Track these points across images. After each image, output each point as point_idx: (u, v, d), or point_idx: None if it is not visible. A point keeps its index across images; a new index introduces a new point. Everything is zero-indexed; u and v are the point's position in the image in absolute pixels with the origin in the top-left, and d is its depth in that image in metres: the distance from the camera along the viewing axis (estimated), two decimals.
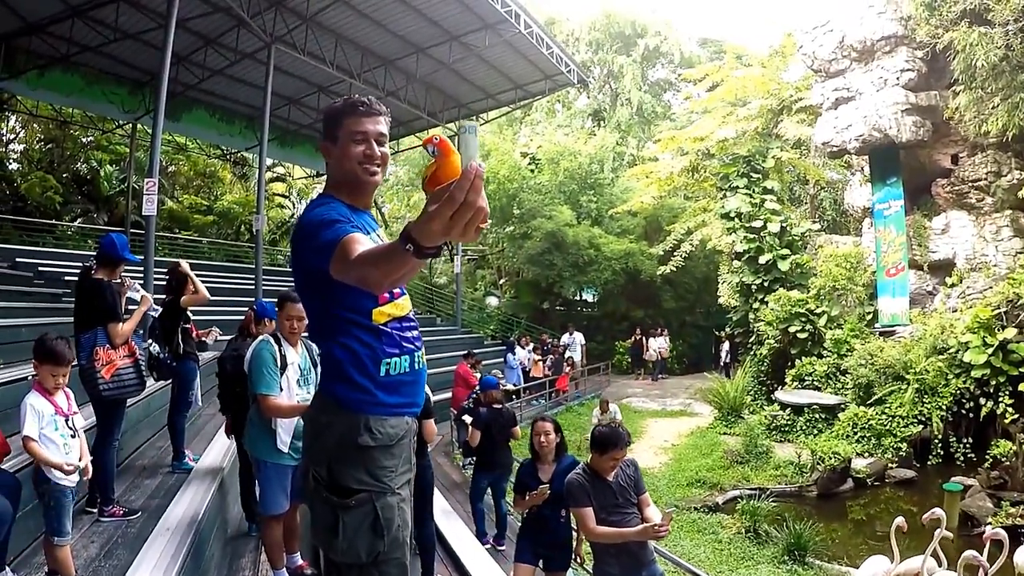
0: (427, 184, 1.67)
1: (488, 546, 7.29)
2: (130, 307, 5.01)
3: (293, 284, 2.43)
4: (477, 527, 7.62)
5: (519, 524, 8.49)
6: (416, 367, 2.26)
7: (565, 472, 4.68)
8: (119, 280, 4.88)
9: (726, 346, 23.25)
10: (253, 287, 15.01)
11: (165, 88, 11.45)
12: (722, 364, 23.22)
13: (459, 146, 1.47)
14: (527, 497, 4.90)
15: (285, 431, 4.24)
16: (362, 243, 1.81)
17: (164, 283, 6.05)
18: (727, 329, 21.58)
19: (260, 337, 4.41)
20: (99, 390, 4.55)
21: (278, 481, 4.29)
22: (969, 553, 5.45)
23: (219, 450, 6.27)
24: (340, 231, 1.88)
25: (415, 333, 2.29)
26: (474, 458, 8.33)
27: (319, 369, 4.50)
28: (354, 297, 2.07)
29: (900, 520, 6.56)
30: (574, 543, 5.15)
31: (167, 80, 11.57)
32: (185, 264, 5.82)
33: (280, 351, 4.22)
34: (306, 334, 3.69)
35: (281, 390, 4.15)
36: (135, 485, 5.38)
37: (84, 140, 25.18)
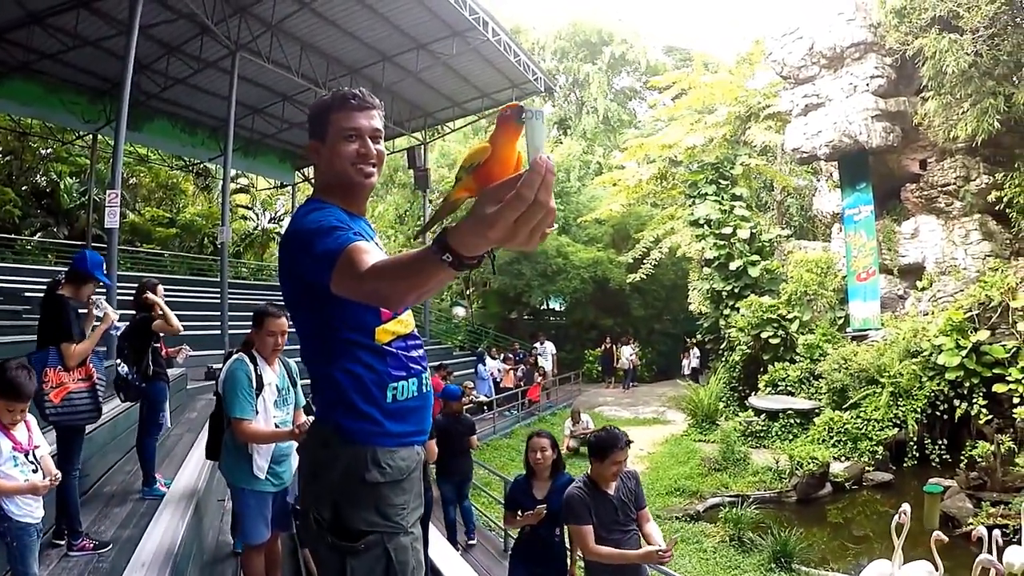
0: (476, 178, 1.42)
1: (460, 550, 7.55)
2: (95, 325, 4.70)
3: (280, 298, 2.16)
4: (448, 534, 7.89)
5: (498, 538, 8.37)
6: (424, 390, 2.03)
7: (561, 490, 4.49)
8: (86, 299, 4.57)
9: (694, 352, 23.25)
10: (218, 301, 14.59)
11: (127, 96, 11.09)
12: (690, 370, 23.20)
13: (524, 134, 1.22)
14: (520, 516, 4.67)
15: (262, 456, 4.00)
16: (370, 252, 1.57)
17: (131, 299, 5.75)
18: (698, 336, 21.55)
19: (234, 356, 4.15)
20: (46, 414, 4.20)
21: (257, 509, 4.05)
22: (984, 557, 5.45)
23: (192, 472, 5.96)
24: (342, 239, 1.63)
25: (421, 352, 2.05)
26: None
27: (298, 388, 4.29)
28: (355, 314, 1.85)
29: (899, 517, 6.54)
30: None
31: (129, 88, 11.21)
32: (151, 294, 5.49)
33: (256, 370, 3.99)
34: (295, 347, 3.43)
35: (257, 413, 3.91)
36: (104, 514, 5.05)
37: (43, 152, 24.56)
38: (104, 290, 9.45)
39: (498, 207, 1.13)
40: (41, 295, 4.73)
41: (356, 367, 1.88)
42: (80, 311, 4.48)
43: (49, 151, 24.48)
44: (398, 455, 1.92)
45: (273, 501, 4.10)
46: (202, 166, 26.17)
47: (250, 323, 4.22)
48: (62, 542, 4.21)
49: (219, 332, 13.84)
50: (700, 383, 19.98)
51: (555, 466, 4.80)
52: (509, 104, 1.42)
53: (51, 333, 4.38)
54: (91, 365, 4.51)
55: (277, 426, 4.01)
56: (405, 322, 2.00)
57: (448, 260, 1.23)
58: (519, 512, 4.68)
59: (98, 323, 4.71)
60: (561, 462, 4.89)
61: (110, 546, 4.31)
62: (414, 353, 2.01)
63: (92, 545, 4.22)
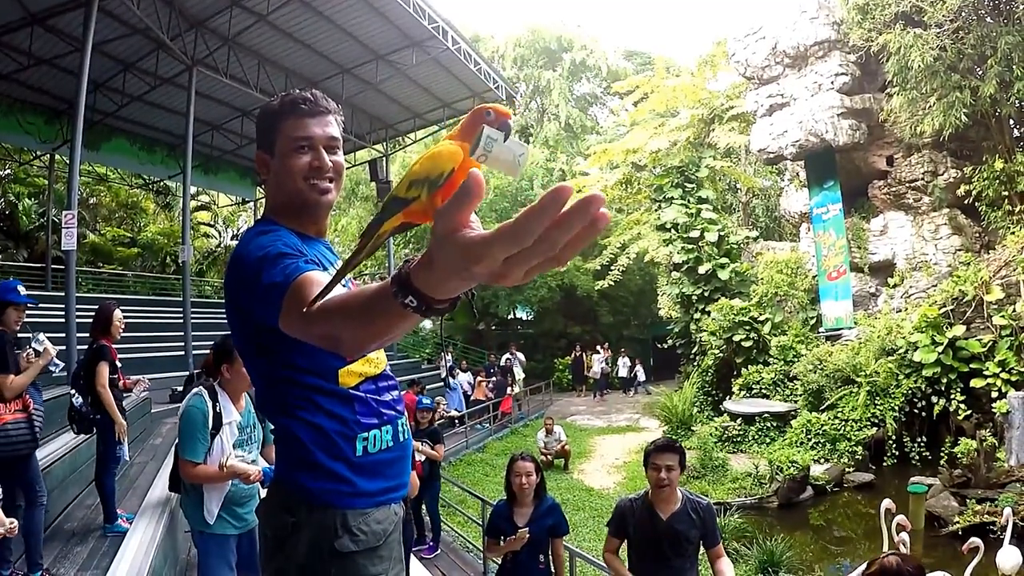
0: (443, 196, 1.02)
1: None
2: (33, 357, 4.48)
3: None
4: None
5: (476, 560, 8.01)
6: (401, 439, 1.70)
7: (545, 515, 4.33)
8: (14, 327, 4.38)
9: (623, 361, 23.16)
10: (181, 320, 14.14)
11: (82, 115, 10.63)
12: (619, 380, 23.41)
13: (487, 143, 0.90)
14: (502, 543, 4.38)
15: (212, 500, 3.63)
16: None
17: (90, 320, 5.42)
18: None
19: (193, 391, 3.79)
20: None
21: (218, 552, 3.69)
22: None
23: (156, 505, 5.56)
24: (291, 269, 1.34)
25: (395, 395, 1.73)
26: None
27: (267, 425, 3.92)
28: (314, 354, 1.50)
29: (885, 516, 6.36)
30: None
31: (84, 107, 10.75)
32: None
33: (215, 407, 3.62)
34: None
35: (211, 453, 3.57)
36: (64, 554, 4.70)
37: (1, 174, 23.76)
38: (62, 308, 9.14)
39: (485, 238, 0.75)
40: None
41: (318, 417, 1.58)
42: (14, 342, 4.33)
43: (7, 173, 23.72)
44: (372, 517, 1.61)
45: (239, 544, 3.75)
46: (162, 184, 25.67)
47: (213, 342, 3.90)
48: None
49: (183, 352, 13.50)
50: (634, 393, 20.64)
51: (538, 490, 4.51)
52: (493, 107, 1.04)
53: None
54: (28, 396, 4.33)
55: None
56: (375, 361, 1.69)
57: (412, 304, 0.88)
58: (501, 539, 4.42)
59: (37, 357, 4.47)
60: (544, 485, 4.59)
61: None
62: (386, 396, 1.70)
63: None
